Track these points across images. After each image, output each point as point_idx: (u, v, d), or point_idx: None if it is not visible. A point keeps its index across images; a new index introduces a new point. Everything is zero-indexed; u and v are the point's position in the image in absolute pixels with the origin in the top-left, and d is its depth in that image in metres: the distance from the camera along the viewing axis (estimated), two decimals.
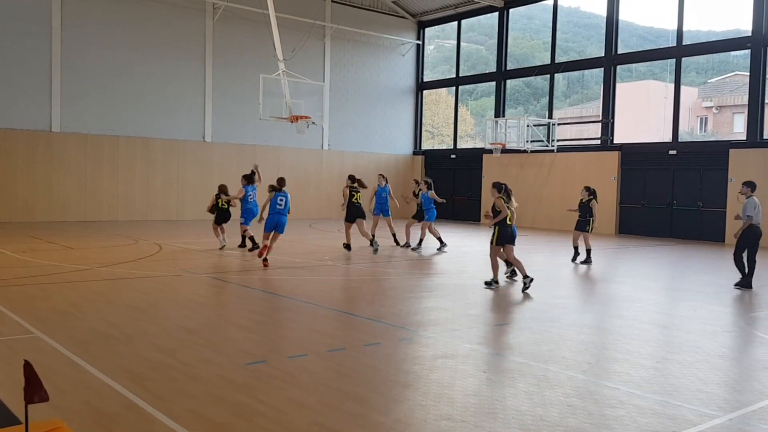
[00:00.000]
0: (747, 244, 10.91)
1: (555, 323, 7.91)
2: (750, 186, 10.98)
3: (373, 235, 15.33)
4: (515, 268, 11.05)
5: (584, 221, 14.01)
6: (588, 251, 13.99)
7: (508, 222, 10.35)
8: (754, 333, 7.80)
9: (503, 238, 10.34)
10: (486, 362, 6.14)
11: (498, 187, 10.38)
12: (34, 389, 2.98)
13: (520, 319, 8.14)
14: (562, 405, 4.93)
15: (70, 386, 5.09)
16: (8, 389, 4.91)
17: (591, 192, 14.13)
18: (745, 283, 10.99)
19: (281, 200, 12.26)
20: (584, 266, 13.57)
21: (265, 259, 12.11)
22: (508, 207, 10.26)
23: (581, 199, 14.25)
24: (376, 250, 14.85)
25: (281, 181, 12.58)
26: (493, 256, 10.51)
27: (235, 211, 15.25)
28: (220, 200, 14.70)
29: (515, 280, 11.16)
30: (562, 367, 5.98)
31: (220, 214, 14.68)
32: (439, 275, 11.90)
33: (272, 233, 12.24)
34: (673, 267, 14.75)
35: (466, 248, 17.04)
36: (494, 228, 10.36)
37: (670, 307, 9.70)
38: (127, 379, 5.26)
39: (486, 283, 10.50)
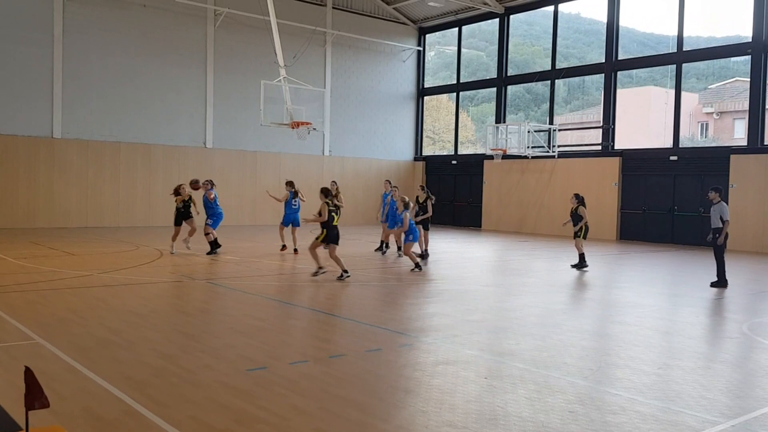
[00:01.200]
0: (725, 246, 11.76)
1: (556, 329, 7.90)
2: (718, 191, 11.83)
3: (386, 242, 16.40)
4: (419, 260, 13.13)
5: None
6: (581, 256, 13.88)
7: (335, 224, 11.34)
8: (756, 339, 7.78)
9: (330, 238, 11.28)
10: (487, 368, 6.12)
11: (325, 192, 11.46)
12: (34, 395, 2.98)
13: (521, 325, 8.13)
14: (563, 411, 4.92)
15: (70, 392, 5.08)
16: (9, 395, 4.90)
17: (579, 199, 14.14)
18: (725, 283, 11.78)
19: (295, 201, 15.38)
20: (585, 272, 13.52)
21: (286, 247, 15.27)
22: (333, 211, 11.31)
23: (572, 207, 14.30)
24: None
25: (291, 184, 15.59)
26: (313, 250, 11.47)
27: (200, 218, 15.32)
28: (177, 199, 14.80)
29: (418, 271, 12.64)
30: (564, 373, 5.97)
31: (180, 214, 14.86)
32: (440, 281, 11.90)
33: (291, 227, 15.34)
34: (675, 273, 14.72)
35: (467, 254, 17.03)
36: (322, 228, 11.30)
37: (671, 312, 9.68)
38: (127, 386, 5.25)
39: (313, 273, 11.52)
